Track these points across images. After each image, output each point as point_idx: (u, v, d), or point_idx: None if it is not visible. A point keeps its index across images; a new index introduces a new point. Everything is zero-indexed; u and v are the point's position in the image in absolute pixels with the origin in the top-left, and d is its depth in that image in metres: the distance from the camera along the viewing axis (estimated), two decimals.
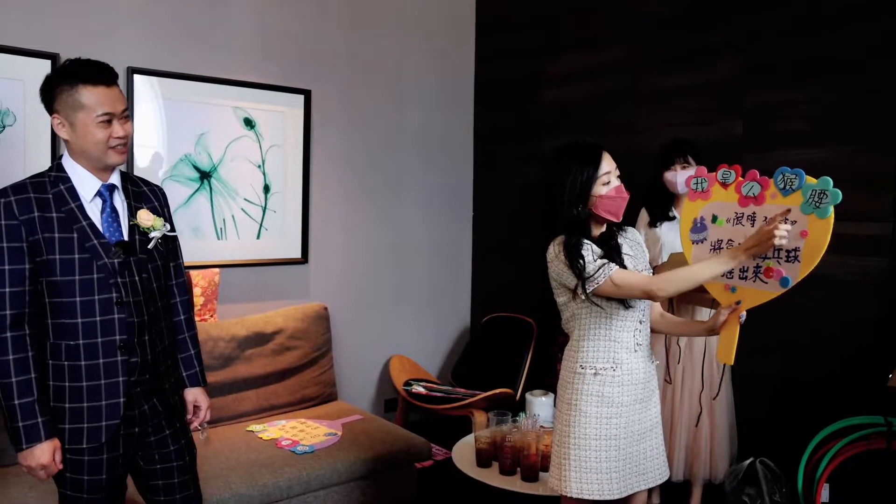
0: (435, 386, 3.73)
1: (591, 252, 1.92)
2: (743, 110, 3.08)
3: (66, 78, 1.73)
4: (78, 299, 1.72)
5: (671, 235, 2.97)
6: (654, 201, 3.06)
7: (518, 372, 3.65)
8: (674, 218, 3.01)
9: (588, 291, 1.91)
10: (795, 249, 1.74)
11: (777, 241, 1.72)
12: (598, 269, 1.89)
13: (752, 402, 3.03)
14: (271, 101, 3.45)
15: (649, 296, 1.87)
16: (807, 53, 2.87)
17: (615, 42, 3.60)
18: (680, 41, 3.31)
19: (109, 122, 1.74)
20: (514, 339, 3.83)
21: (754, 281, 1.82)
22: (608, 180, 1.97)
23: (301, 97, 3.53)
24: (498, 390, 3.41)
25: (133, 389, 1.79)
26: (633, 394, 1.98)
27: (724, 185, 1.90)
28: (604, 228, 2.04)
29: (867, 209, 2.66)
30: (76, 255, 1.72)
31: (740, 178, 1.87)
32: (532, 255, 3.80)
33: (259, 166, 3.46)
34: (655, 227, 3.01)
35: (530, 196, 4.02)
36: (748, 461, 2.89)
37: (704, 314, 2.86)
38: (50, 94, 1.75)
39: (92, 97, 1.72)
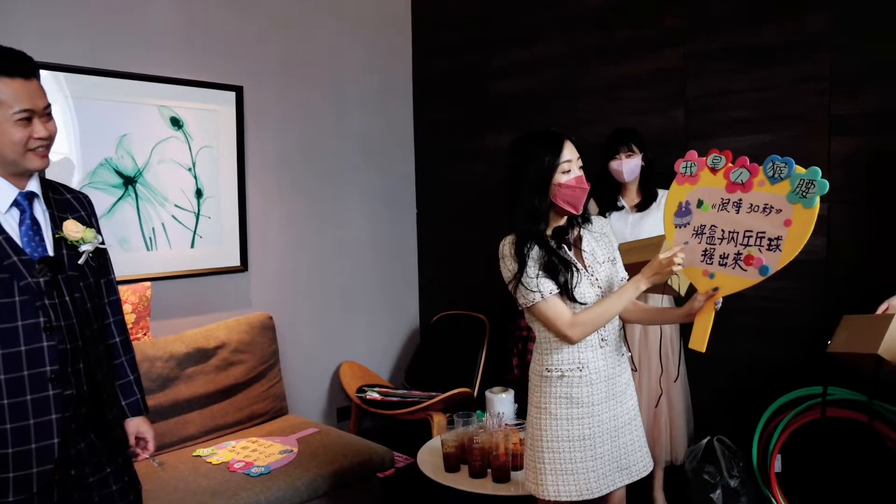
0: (389, 390, 3.63)
1: (535, 264, 1.89)
2: (685, 99, 3.15)
3: None
4: None
5: (620, 224, 3.00)
6: (601, 192, 3.07)
7: (473, 370, 3.60)
8: (622, 207, 3.04)
9: (520, 306, 1.92)
10: (778, 238, 1.74)
11: (675, 269, 1.82)
12: (532, 289, 1.87)
13: (706, 382, 3.11)
14: (200, 98, 3.21)
15: (565, 339, 1.89)
16: (745, 44, 2.96)
17: (557, 35, 3.61)
18: (621, 33, 3.35)
19: (29, 120, 1.52)
20: (467, 336, 3.78)
21: (734, 268, 1.82)
22: (568, 168, 1.91)
23: (233, 94, 3.32)
24: (456, 390, 3.35)
25: (69, 426, 1.57)
26: (602, 391, 1.94)
27: (714, 170, 1.88)
28: (562, 221, 1.98)
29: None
30: None
31: (730, 164, 1.85)
32: (480, 251, 3.81)
33: (190, 169, 3.22)
34: (604, 216, 3.02)
35: (474, 191, 4.00)
36: (706, 440, 2.97)
37: (657, 300, 2.92)
38: None
39: (8, 91, 1.49)
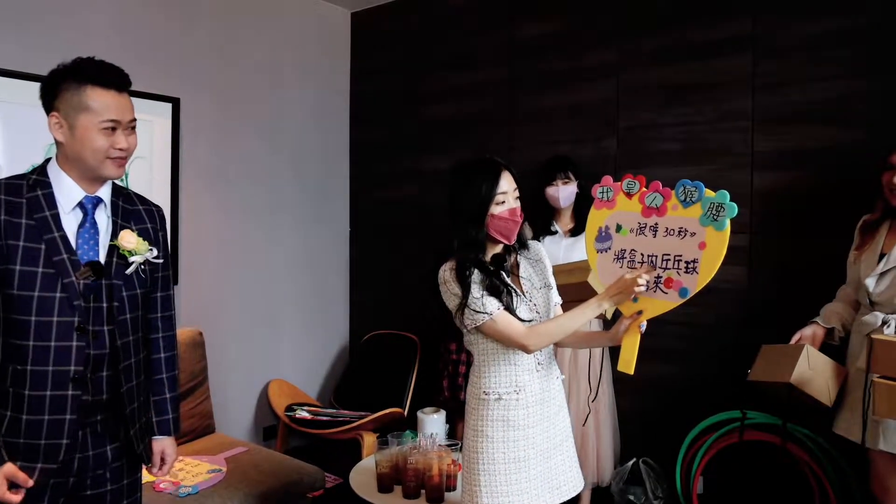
0: (319, 410, 3.57)
1: (478, 286, 1.89)
2: (617, 130, 3.27)
3: (75, 75, 1.59)
4: (33, 318, 1.54)
5: (553, 248, 3.07)
6: (535, 216, 3.13)
7: (404, 390, 3.59)
8: (555, 232, 3.11)
9: (468, 328, 1.91)
10: (694, 261, 1.76)
11: (637, 290, 1.80)
12: (479, 310, 1.87)
13: (632, 404, 3.19)
14: (135, 108, 3.09)
15: (522, 349, 1.89)
16: (674, 79, 3.10)
17: (494, 62, 3.69)
18: (557, 63, 3.46)
19: (114, 130, 1.61)
20: (398, 356, 3.76)
21: (655, 291, 1.83)
22: (503, 200, 1.91)
23: (169, 105, 3.25)
24: (387, 410, 3.33)
25: (83, 430, 1.60)
26: (538, 413, 1.96)
27: (629, 194, 1.89)
28: (499, 249, 1.99)
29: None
30: (40, 269, 1.55)
31: (644, 189, 1.87)
32: (412, 271, 3.82)
33: (121, 180, 3.10)
34: (538, 240, 3.08)
35: (408, 212, 4.02)
36: (632, 462, 3.04)
37: (592, 325, 2.98)
38: (53, 90, 1.61)
39: (99, 100, 1.59)
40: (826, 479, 2.60)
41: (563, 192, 3.04)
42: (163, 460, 1.84)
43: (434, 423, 3.10)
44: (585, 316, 1.87)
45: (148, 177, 3.21)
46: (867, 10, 2.67)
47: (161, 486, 2.58)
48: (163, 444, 1.83)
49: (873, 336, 2.06)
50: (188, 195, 3.40)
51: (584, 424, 2.98)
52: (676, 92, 3.10)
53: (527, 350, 1.88)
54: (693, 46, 3.06)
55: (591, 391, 2.95)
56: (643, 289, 1.79)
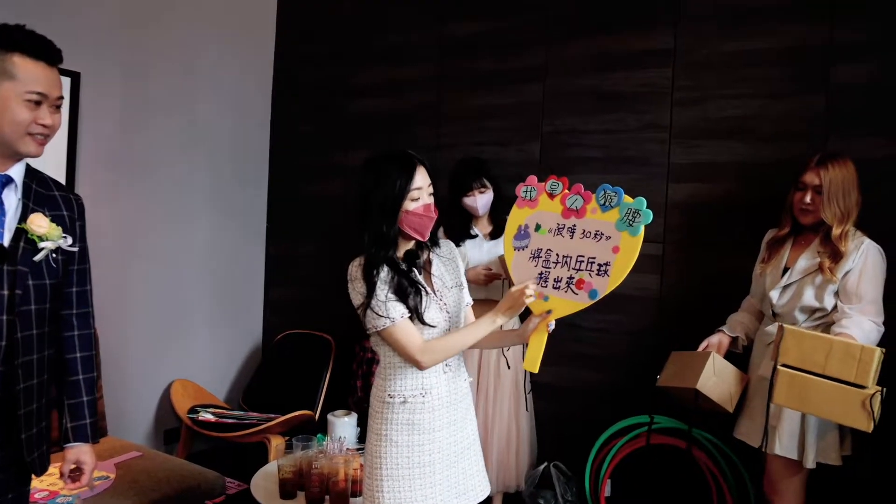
0: (225, 411, 3.41)
1: (385, 288, 1.84)
2: (541, 133, 3.27)
3: (2, 42, 1.49)
4: None
5: (475, 252, 3.01)
6: (453, 223, 3.05)
7: (316, 392, 3.48)
8: (475, 236, 3.06)
9: (368, 330, 1.87)
10: (606, 264, 1.79)
11: (526, 301, 1.81)
12: (381, 314, 1.82)
13: (547, 409, 3.20)
14: None
15: (415, 364, 1.86)
16: (598, 88, 3.13)
17: (424, 58, 3.64)
18: (486, 64, 3.44)
19: (38, 104, 1.50)
20: (311, 357, 3.66)
21: (566, 291, 1.84)
22: (418, 196, 1.87)
23: (67, 80, 3.01)
24: (296, 413, 3.21)
25: None
26: (445, 417, 1.92)
27: (551, 195, 1.91)
28: (411, 245, 1.95)
29: (645, 231, 2.93)
30: None
31: (566, 191, 1.89)
32: (330, 269, 3.71)
33: None
34: (459, 245, 3.02)
35: (329, 208, 3.91)
36: (543, 466, 3.04)
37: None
38: None
39: (27, 70, 1.48)
40: (724, 481, 2.69)
41: (481, 201, 2.97)
42: (80, 470, 1.71)
43: (344, 426, 3.02)
44: (479, 332, 1.86)
45: (42, 157, 2.95)
46: (781, 33, 2.76)
47: (36, 496, 2.38)
48: (78, 451, 1.70)
49: (785, 326, 2.15)
50: (87, 180, 3.17)
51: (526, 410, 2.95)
52: (600, 100, 3.13)
53: (419, 366, 1.85)
54: (618, 56, 3.09)
55: (517, 391, 2.94)
56: (532, 299, 1.81)
